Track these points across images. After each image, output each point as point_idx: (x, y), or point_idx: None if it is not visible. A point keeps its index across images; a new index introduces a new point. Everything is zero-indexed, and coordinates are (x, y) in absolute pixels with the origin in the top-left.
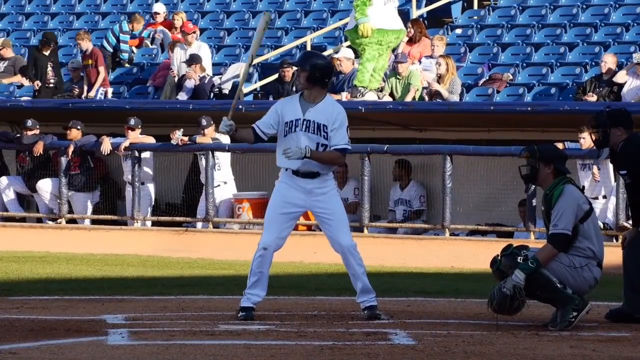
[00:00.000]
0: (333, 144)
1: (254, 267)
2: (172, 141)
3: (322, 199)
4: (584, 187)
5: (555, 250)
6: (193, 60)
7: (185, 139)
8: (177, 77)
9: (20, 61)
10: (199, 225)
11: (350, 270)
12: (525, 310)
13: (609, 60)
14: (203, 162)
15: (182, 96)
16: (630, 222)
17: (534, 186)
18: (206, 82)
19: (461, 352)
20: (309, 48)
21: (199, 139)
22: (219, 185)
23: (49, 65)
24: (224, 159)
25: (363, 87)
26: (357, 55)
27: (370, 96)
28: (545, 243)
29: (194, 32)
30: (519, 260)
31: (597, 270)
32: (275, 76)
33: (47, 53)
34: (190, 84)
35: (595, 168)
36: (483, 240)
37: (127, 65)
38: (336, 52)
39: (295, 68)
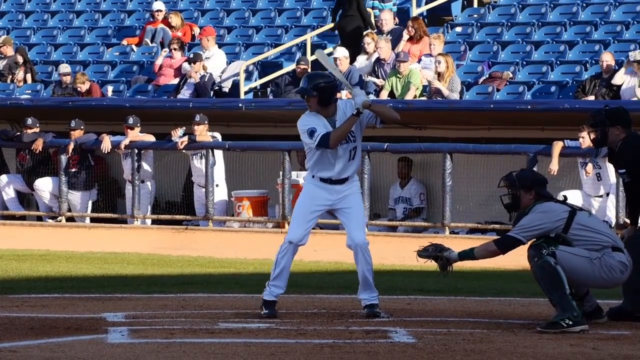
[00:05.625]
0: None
1: (279, 258)
2: (172, 138)
3: (347, 197)
4: (565, 197)
5: (495, 248)
6: (194, 58)
7: (185, 139)
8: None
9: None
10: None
11: (358, 267)
12: (525, 309)
13: (607, 59)
14: (195, 161)
15: (184, 94)
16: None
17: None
18: (206, 80)
19: (461, 350)
20: (309, 46)
21: (198, 138)
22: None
23: None
24: (216, 159)
25: None
26: None
27: None
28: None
29: (212, 36)
30: (544, 253)
31: (619, 255)
32: (276, 74)
33: None
34: (191, 82)
35: (589, 166)
36: (483, 239)
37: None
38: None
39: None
